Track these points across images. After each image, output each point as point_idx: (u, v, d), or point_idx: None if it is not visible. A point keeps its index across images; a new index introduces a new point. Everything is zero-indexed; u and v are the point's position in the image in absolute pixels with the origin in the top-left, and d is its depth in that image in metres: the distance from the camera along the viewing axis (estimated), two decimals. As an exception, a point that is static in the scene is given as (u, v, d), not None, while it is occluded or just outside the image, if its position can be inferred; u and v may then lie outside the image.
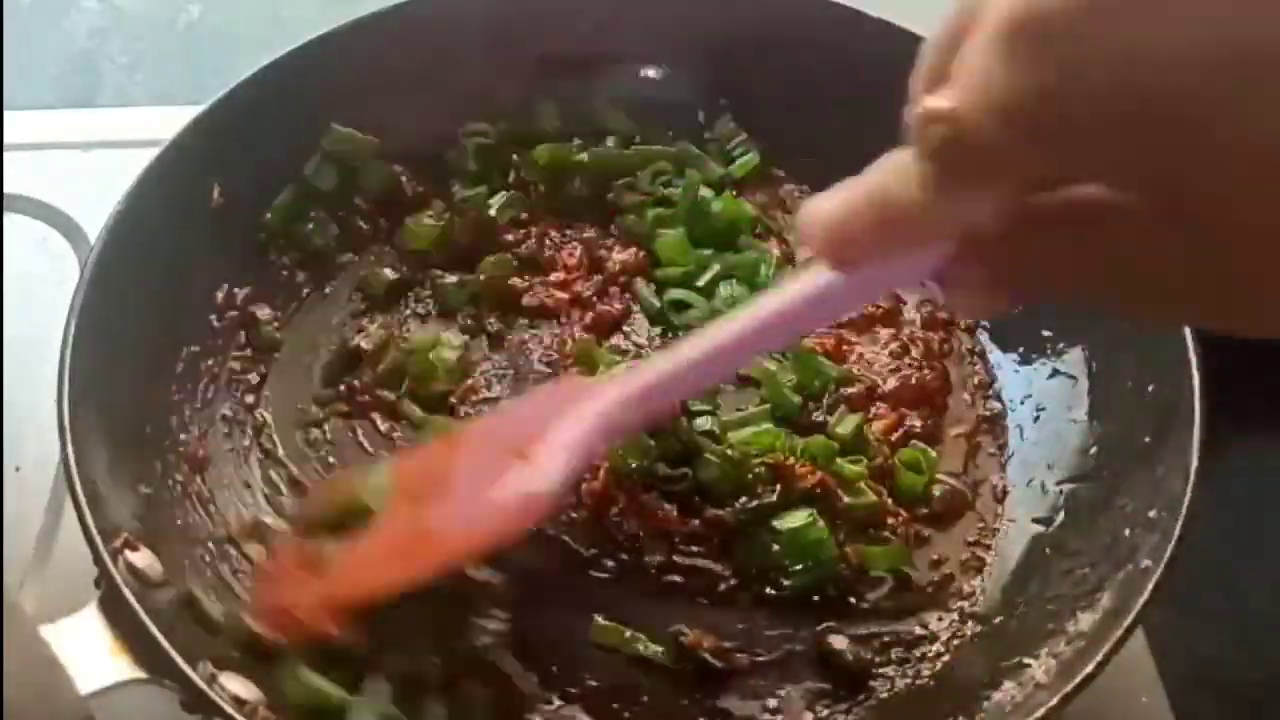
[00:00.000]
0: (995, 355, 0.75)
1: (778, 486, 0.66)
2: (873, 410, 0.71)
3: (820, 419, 0.69)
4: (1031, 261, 0.41)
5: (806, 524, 0.64)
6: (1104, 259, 0.39)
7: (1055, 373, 0.71)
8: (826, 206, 0.43)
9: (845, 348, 0.73)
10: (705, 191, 0.78)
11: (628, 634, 0.63)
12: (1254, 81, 0.32)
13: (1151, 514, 0.59)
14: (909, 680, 0.62)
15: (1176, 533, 0.57)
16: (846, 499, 0.66)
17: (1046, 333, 0.73)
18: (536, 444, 0.56)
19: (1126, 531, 0.60)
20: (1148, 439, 0.63)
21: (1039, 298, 0.48)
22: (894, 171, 0.40)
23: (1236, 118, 0.33)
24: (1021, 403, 0.72)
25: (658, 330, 0.75)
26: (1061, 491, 0.67)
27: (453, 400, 0.71)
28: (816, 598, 0.65)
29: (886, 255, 0.43)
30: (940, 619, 0.64)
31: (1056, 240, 0.40)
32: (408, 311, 0.76)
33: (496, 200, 0.79)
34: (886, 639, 0.64)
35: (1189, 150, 0.34)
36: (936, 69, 0.39)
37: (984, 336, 0.75)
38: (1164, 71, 0.33)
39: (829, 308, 0.50)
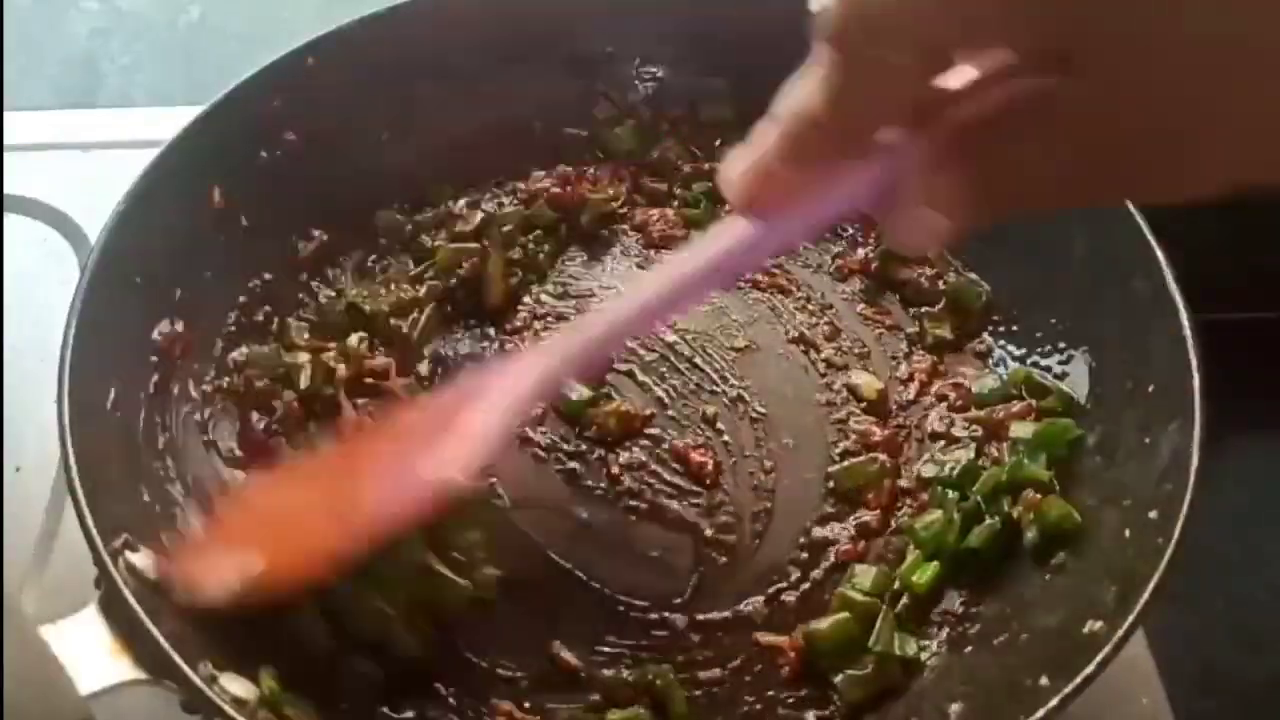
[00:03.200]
0: (998, 355, 0.75)
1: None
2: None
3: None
4: (1001, 161, 0.41)
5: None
6: (1070, 144, 0.40)
7: (1056, 374, 0.71)
8: (740, 157, 0.43)
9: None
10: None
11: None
12: None
13: (1152, 514, 0.59)
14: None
15: (1176, 533, 0.57)
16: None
17: (1048, 334, 0.73)
18: (458, 425, 0.55)
19: (1127, 531, 0.60)
20: (1148, 439, 0.63)
21: (1007, 203, 0.44)
22: (798, 90, 0.41)
23: None
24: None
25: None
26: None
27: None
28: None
29: (810, 189, 0.44)
30: (940, 622, 0.64)
31: (1017, 131, 0.41)
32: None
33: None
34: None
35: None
36: None
37: (988, 338, 0.76)
38: None
39: (755, 255, 0.49)
